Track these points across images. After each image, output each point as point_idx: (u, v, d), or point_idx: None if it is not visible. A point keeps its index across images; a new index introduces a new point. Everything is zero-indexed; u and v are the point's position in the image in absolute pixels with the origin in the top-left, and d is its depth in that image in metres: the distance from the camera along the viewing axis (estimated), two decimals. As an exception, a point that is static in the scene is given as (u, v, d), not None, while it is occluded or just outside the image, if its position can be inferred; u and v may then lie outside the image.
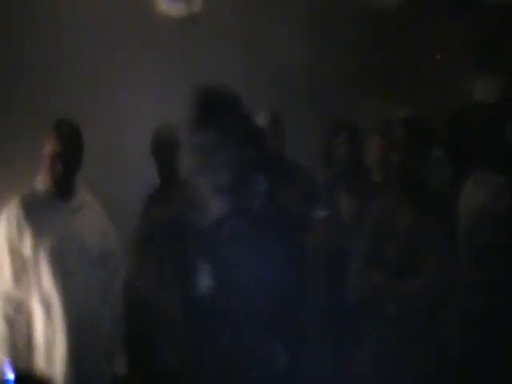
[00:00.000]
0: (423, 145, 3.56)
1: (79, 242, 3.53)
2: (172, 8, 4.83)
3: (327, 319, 3.88)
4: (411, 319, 3.25)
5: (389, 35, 5.13)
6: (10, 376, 2.85)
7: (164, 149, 4.19)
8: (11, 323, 3.40)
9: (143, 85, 4.35)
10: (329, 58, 5.01)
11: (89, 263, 3.53)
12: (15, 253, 3.44)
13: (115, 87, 4.30)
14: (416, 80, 4.95)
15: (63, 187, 3.52)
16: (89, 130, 3.63)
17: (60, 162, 3.46)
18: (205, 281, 2.48)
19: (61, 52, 4.19)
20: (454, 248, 3.42)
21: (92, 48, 4.32)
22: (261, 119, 4.00)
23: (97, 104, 4.20)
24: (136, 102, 4.28)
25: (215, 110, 2.58)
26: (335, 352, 3.74)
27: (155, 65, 4.54)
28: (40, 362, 3.41)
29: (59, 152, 3.45)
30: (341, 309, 3.71)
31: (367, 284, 3.39)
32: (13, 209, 3.48)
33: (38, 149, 3.56)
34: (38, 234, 3.46)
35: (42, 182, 3.56)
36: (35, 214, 3.49)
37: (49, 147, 3.47)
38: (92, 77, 4.29)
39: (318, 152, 4.25)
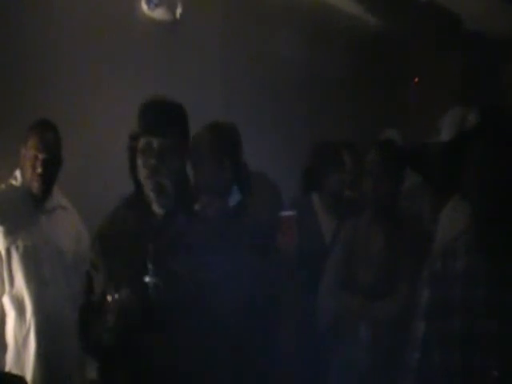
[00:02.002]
0: (398, 169, 3.57)
1: (53, 244, 3.52)
2: (154, 13, 4.81)
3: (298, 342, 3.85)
4: (383, 343, 3.26)
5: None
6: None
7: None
8: (-19, 321, 3.37)
9: (124, 88, 4.32)
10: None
11: (62, 266, 3.52)
12: (-12, 251, 3.40)
13: (95, 90, 4.27)
14: (395, 104, 5.04)
15: (42, 190, 3.50)
16: (67, 132, 3.62)
17: (41, 165, 3.44)
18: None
19: (40, 54, 4.13)
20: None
21: (72, 51, 4.28)
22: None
23: (76, 106, 4.16)
24: (117, 105, 4.25)
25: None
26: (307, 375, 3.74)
27: (137, 69, 4.52)
28: (9, 362, 3.40)
29: (41, 155, 3.44)
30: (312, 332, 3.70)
31: (338, 306, 3.40)
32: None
33: (14, 147, 3.55)
34: (11, 233, 3.43)
35: (17, 180, 3.53)
36: (9, 212, 3.47)
37: (30, 150, 3.44)
38: (71, 79, 4.25)
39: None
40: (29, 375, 3.34)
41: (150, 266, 2.46)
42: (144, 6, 4.79)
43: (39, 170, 3.44)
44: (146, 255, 2.47)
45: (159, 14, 4.84)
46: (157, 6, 4.82)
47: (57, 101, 4.05)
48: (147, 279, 2.46)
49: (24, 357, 3.39)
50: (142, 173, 2.58)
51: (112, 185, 4.10)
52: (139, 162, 2.59)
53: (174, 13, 4.88)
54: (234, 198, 3.19)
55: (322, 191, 4.25)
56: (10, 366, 3.39)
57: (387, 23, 5.28)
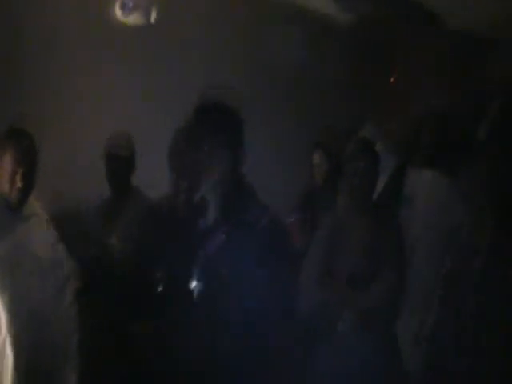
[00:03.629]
0: (375, 158, 3.65)
1: (28, 253, 3.44)
2: (128, 18, 4.79)
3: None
4: (366, 331, 3.27)
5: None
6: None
7: (117, 155, 4.14)
8: (-45, 334, 3.29)
9: (99, 93, 4.29)
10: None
11: (39, 274, 3.44)
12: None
13: (70, 95, 4.23)
14: (376, 94, 5.02)
15: (20, 201, 3.45)
16: (41, 138, 3.56)
17: (21, 180, 3.38)
18: None
19: (14, 58, 4.11)
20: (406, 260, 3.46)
21: (47, 56, 4.25)
22: None
23: (49, 110, 4.12)
24: (91, 109, 4.22)
25: None
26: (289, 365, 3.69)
27: (111, 74, 4.49)
28: (-14, 375, 3.32)
29: (20, 170, 3.37)
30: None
31: (320, 295, 3.41)
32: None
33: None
34: (-16, 242, 3.36)
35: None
36: (-18, 221, 3.40)
37: (8, 163, 3.37)
38: (45, 84, 4.22)
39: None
40: (7, 385, 3.27)
41: (196, 271, 2.45)
42: (118, 11, 4.77)
43: (19, 185, 3.38)
44: (193, 259, 2.46)
45: (134, 18, 4.82)
46: (131, 10, 4.80)
47: (30, 106, 4.02)
48: (193, 284, 2.45)
49: (1, 368, 3.29)
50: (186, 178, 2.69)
51: (90, 187, 4.09)
52: (184, 166, 2.72)
53: (148, 18, 4.86)
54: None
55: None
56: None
57: (363, 18, 5.27)
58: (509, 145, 3.08)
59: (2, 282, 3.34)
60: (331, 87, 5.05)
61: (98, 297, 3.71)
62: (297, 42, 4.85)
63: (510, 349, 2.64)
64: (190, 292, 2.45)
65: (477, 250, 2.85)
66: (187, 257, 2.49)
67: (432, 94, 4.42)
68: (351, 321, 3.29)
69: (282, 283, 2.53)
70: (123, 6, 4.74)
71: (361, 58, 5.15)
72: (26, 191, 3.43)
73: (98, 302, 3.73)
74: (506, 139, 3.27)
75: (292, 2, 4.98)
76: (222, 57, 4.92)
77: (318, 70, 5.10)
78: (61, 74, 4.27)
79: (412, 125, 4.01)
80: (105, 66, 4.53)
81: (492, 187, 2.90)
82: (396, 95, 4.95)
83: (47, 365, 3.38)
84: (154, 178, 3.79)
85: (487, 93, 4.20)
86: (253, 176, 3.67)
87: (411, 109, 4.35)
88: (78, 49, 4.43)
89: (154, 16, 4.89)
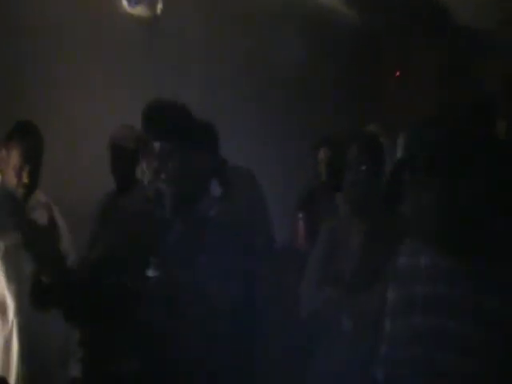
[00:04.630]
0: (378, 163, 3.56)
1: (34, 243, 3.48)
2: (134, 10, 4.80)
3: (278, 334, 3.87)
4: (365, 335, 3.26)
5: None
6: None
7: (121, 148, 4.18)
8: (-38, 323, 3.33)
9: (104, 85, 4.31)
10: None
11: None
12: (-31, 252, 3.37)
13: (74, 88, 4.25)
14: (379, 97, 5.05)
15: (27, 195, 3.49)
16: (47, 131, 3.59)
17: (28, 176, 3.42)
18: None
19: (20, 52, 4.12)
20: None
21: (53, 48, 4.26)
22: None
23: (56, 104, 4.15)
24: (97, 102, 4.24)
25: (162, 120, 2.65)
26: (288, 368, 3.74)
27: (117, 66, 4.51)
28: (-7, 363, 3.37)
29: (27, 166, 3.41)
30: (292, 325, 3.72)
31: (318, 297, 3.39)
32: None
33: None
34: (-9, 233, 3.39)
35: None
36: (-12, 213, 3.43)
37: (15, 158, 3.40)
38: (51, 78, 4.24)
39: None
40: (12, 376, 3.32)
41: (152, 261, 2.50)
42: (124, 3, 4.79)
43: (26, 181, 3.42)
44: (150, 250, 2.51)
45: (140, 10, 4.83)
46: (137, 2, 4.82)
47: (37, 99, 4.03)
48: (150, 273, 2.50)
49: (7, 357, 3.36)
50: (146, 175, 2.63)
51: (94, 181, 4.12)
52: (143, 164, 2.67)
53: (154, 9, 4.87)
54: (215, 193, 3.20)
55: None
56: (-7, 366, 3.36)
57: (366, 18, 5.29)
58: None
59: (9, 273, 3.40)
60: (334, 86, 5.07)
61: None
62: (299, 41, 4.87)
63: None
64: (149, 284, 2.51)
65: None
66: (143, 249, 2.56)
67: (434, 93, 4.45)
68: (352, 323, 3.28)
69: (234, 273, 2.58)
70: (129, -1, 4.76)
71: (364, 56, 5.18)
72: (32, 186, 3.47)
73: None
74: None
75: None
76: (224, 50, 4.94)
77: (324, 69, 5.12)
78: (64, 68, 4.28)
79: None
80: (109, 59, 4.54)
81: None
82: (400, 93, 4.98)
83: (51, 355, 3.45)
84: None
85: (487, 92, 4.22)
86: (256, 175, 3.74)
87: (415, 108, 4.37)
88: (83, 41, 4.44)
89: (159, 7, 4.90)
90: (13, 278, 3.40)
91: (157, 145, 2.55)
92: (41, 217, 3.54)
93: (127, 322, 2.54)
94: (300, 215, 4.30)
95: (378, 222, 3.46)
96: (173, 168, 2.56)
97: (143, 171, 2.70)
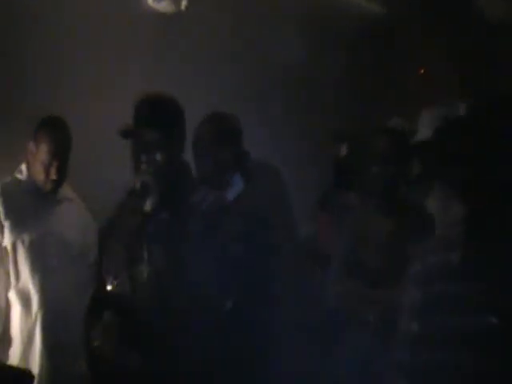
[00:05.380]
0: (403, 155, 3.55)
1: (59, 237, 3.50)
2: (159, 5, 4.79)
3: (302, 328, 3.84)
4: (391, 330, 3.25)
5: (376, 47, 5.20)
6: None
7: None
8: (-14, 314, 3.36)
9: (129, 81, 4.30)
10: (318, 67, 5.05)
11: (68, 259, 3.50)
12: (-6, 243, 3.39)
13: (101, 83, 4.25)
14: (403, 92, 5.02)
15: (54, 190, 3.50)
16: (73, 124, 3.59)
17: (56, 172, 3.43)
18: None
19: (44, 47, 4.12)
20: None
21: (76, 44, 4.26)
22: None
23: (80, 99, 4.14)
24: (121, 98, 4.23)
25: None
26: (311, 362, 3.71)
27: (142, 62, 4.50)
28: (15, 356, 3.38)
29: (55, 162, 3.42)
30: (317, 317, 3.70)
31: (344, 294, 3.39)
32: (-7, 199, 3.43)
33: (21, 137, 3.53)
34: (17, 227, 3.42)
35: (23, 173, 3.52)
36: (15, 205, 3.45)
37: (43, 153, 3.41)
38: (75, 72, 4.23)
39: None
40: (35, 369, 3.32)
41: (144, 256, 2.54)
42: (150, -1, 4.78)
43: (54, 177, 3.44)
44: (140, 245, 2.56)
45: (164, 6, 4.82)
46: (161, -2, 4.81)
47: (60, 94, 4.03)
48: (141, 267, 2.54)
49: (30, 350, 3.38)
50: (134, 167, 2.67)
51: (119, 175, 4.11)
52: (132, 156, 2.69)
53: (179, 4, 4.86)
54: (237, 187, 3.19)
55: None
56: (15, 360, 3.37)
57: (388, 10, 5.26)
58: None
59: (34, 267, 3.41)
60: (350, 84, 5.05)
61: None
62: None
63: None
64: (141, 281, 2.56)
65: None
66: (133, 242, 2.61)
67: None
68: (373, 321, 3.27)
69: (226, 264, 2.61)
70: (154, -7, 4.75)
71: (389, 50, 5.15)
72: (59, 181, 3.49)
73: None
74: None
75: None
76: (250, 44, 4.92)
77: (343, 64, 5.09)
78: (89, 65, 4.28)
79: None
80: (134, 53, 4.54)
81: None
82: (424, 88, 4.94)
83: (74, 347, 3.36)
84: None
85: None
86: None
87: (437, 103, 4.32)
88: (109, 36, 4.44)
89: (184, 3, 4.89)
90: (37, 270, 3.41)
91: (144, 135, 2.61)
92: (67, 211, 3.58)
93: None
94: (322, 211, 4.28)
95: (404, 216, 3.44)
96: (160, 160, 2.61)
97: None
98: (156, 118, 2.65)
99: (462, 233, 2.27)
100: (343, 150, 4.41)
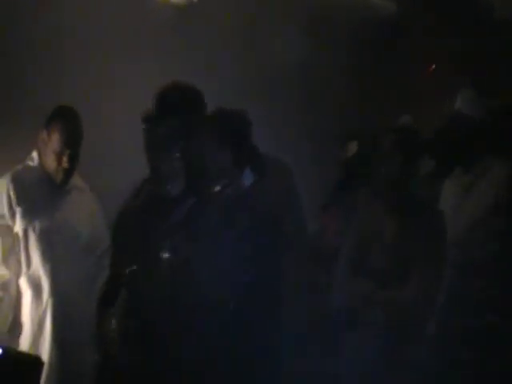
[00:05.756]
0: (412, 155, 3.52)
1: (69, 226, 3.52)
2: (171, -2, 4.79)
3: (310, 326, 3.84)
4: (395, 330, 3.24)
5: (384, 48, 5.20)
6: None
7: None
8: (-3, 300, 3.38)
9: (140, 74, 4.31)
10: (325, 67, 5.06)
11: (78, 248, 3.52)
12: (6, 230, 3.41)
13: (110, 76, 4.26)
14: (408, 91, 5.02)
15: (66, 179, 3.52)
16: (83, 115, 3.59)
17: (68, 160, 3.45)
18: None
19: (54, 40, 4.13)
20: (440, 259, 3.39)
21: (87, 37, 4.27)
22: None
23: (91, 92, 4.15)
24: (132, 90, 4.24)
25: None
26: (319, 360, 3.72)
27: (155, 52, 4.50)
28: (26, 342, 3.40)
29: (68, 151, 3.44)
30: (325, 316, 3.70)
31: (350, 294, 3.38)
32: (4, 185, 3.45)
33: (33, 125, 3.54)
34: (28, 213, 3.44)
35: (34, 161, 3.53)
36: (26, 192, 3.47)
37: (56, 142, 3.43)
38: (86, 65, 4.24)
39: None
40: (45, 356, 3.33)
41: (166, 244, 2.52)
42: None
43: (66, 165, 3.45)
44: (161, 233, 2.54)
45: (176, -2, 4.82)
46: (174, -10, 4.81)
47: (71, 85, 4.04)
48: (164, 255, 2.51)
49: (40, 338, 3.40)
50: (153, 156, 2.65)
51: (128, 166, 4.11)
52: (154, 141, 2.67)
53: (192, -4, 4.86)
54: (248, 180, 3.20)
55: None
56: (25, 347, 3.39)
57: (397, 9, 5.26)
58: None
59: (45, 254, 3.43)
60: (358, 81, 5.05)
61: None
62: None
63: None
64: (161, 267, 2.54)
65: None
66: (155, 228, 2.59)
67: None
68: (382, 317, 3.26)
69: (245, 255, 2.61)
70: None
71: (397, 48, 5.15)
72: (71, 170, 3.51)
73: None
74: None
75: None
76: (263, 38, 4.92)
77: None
78: (102, 55, 4.28)
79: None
80: (146, 46, 4.54)
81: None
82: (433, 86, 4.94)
83: (84, 335, 3.39)
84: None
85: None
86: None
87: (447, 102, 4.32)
88: (120, 29, 4.44)
89: (197, -5, 4.89)
90: (47, 259, 3.43)
91: (168, 122, 2.62)
92: (77, 200, 3.59)
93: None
94: (327, 211, 4.27)
95: (410, 216, 3.42)
96: (185, 146, 2.61)
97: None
98: (180, 104, 2.67)
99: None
100: (352, 150, 4.40)
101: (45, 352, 3.37)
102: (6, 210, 3.41)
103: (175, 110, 2.65)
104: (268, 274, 2.78)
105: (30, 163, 3.55)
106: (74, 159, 3.48)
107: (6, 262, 3.39)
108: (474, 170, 3.61)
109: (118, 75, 4.30)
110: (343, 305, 3.42)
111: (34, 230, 3.42)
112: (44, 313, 3.41)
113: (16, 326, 3.41)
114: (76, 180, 3.62)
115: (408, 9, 5.26)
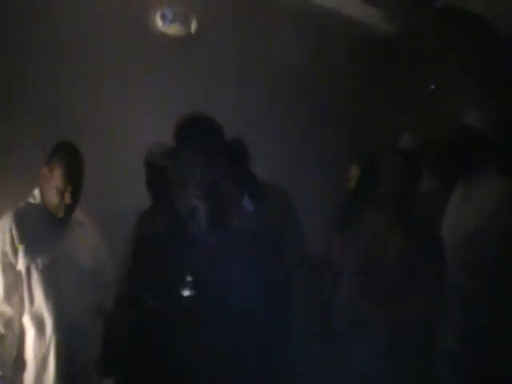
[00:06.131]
0: (414, 173, 3.57)
1: (71, 261, 3.53)
2: (169, 28, 4.85)
3: (314, 343, 3.85)
4: (400, 346, 3.25)
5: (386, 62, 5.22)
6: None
7: (155, 166, 4.23)
8: (0, 339, 3.37)
9: (139, 102, 4.37)
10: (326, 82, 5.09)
11: (81, 281, 3.53)
12: (8, 268, 3.42)
13: (114, 102, 4.32)
14: (410, 108, 5.03)
15: (68, 215, 3.54)
16: (86, 144, 3.62)
17: (71, 197, 3.47)
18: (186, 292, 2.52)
19: (61, 67, 4.21)
20: (443, 274, 3.41)
21: (91, 63, 4.34)
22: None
23: (90, 119, 4.21)
24: (131, 118, 4.29)
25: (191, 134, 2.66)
26: (323, 376, 3.72)
27: (153, 82, 4.56)
28: (30, 380, 3.40)
29: (70, 187, 3.46)
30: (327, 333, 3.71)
31: (355, 309, 3.39)
32: (7, 223, 3.46)
33: (34, 162, 3.58)
34: (31, 251, 3.45)
35: (36, 198, 3.55)
36: (29, 229, 3.48)
37: (58, 179, 3.45)
38: (90, 92, 4.31)
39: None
40: (48, 393, 3.34)
41: (188, 279, 2.50)
42: (159, 22, 4.84)
43: (69, 201, 3.47)
44: (182, 269, 2.50)
45: (174, 29, 4.88)
46: (172, 21, 4.87)
47: (70, 115, 4.09)
48: (186, 292, 2.49)
49: (44, 375, 3.40)
50: (175, 189, 2.61)
51: (129, 198, 4.15)
52: (171, 178, 2.63)
53: (188, 28, 4.92)
54: (247, 206, 3.21)
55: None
56: (29, 383, 3.39)
57: (399, 27, 5.28)
58: None
59: (48, 291, 3.43)
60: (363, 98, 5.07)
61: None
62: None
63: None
64: (182, 301, 2.51)
65: None
66: (177, 264, 2.56)
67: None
68: (386, 335, 3.27)
69: (273, 288, 2.58)
70: (163, 17, 4.80)
71: (399, 68, 5.17)
72: (73, 207, 3.53)
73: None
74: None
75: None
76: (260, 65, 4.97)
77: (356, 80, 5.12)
78: (99, 86, 4.34)
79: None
80: (144, 76, 4.60)
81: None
82: (434, 105, 4.95)
83: (87, 370, 3.46)
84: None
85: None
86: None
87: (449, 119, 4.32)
88: (118, 60, 4.50)
89: (194, 27, 4.94)
90: (50, 294, 3.44)
91: (190, 159, 2.56)
92: (78, 235, 3.61)
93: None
94: (333, 230, 4.29)
95: (415, 233, 3.46)
96: (207, 183, 2.55)
97: (176, 187, 2.64)
98: (199, 140, 2.61)
99: None
100: (354, 173, 4.43)
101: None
102: (8, 248, 3.42)
103: (194, 147, 2.60)
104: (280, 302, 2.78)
105: (32, 200, 3.56)
106: (76, 195, 3.49)
107: (8, 299, 3.39)
108: (474, 181, 3.67)
109: (118, 107, 4.36)
110: (350, 319, 3.43)
111: (36, 267, 3.42)
112: (47, 350, 3.40)
113: (20, 364, 3.40)
114: (77, 215, 3.63)
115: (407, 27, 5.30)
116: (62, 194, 3.46)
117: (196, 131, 2.62)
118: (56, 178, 3.45)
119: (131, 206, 4.07)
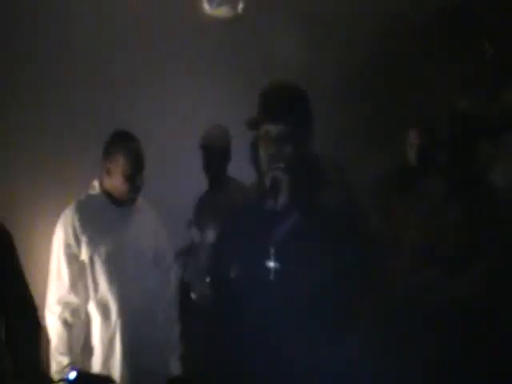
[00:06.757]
0: (472, 141, 3.54)
1: (134, 246, 3.60)
2: (216, 11, 4.87)
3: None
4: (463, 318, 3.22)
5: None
6: (72, 375, 2.89)
7: (213, 147, 4.31)
8: (68, 327, 3.47)
9: (188, 87, 4.42)
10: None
11: (143, 266, 3.61)
12: (72, 259, 3.51)
13: (159, 90, 4.38)
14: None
15: (133, 198, 3.61)
16: (141, 131, 3.68)
17: (137, 170, 3.54)
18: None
19: (112, 57, 4.29)
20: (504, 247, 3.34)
21: (136, 51, 4.41)
22: None
23: (141, 107, 4.28)
24: (182, 104, 4.35)
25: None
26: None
27: (201, 67, 4.60)
28: (97, 364, 3.50)
29: (134, 161, 3.52)
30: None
31: (419, 281, 3.39)
32: (69, 215, 3.55)
33: (92, 154, 3.69)
34: (93, 240, 3.53)
35: (96, 190, 3.63)
36: (91, 220, 3.56)
37: (122, 174, 3.52)
38: (135, 80, 4.38)
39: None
40: (116, 376, 3.42)
41: (272, 251, 2.43)
42: (206, 5, 4.87)
43: (140, 184, 3.56)
44: (267, 241, 2.44)
45: (221, 11, 4.90)
46: (218, 4, 4.89)
47: (122, 103, 4.17)
48: (269, 264, 2.43)
49: (111, 358, 3.50)
50: (262, 162, 2.48)
51: (185, 183, 4.23)
52: (260, 150, 2.48)
53: (235, 9, 4.92)
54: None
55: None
56: (97, 368, 3.49)
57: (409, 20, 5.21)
58: None
59: (111, 277, 3.52)
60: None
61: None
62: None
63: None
64: (262, 279, 2.45)
65: None
66: (259, 243, 2.47)
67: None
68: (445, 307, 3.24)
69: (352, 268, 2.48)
70: (210, 1, 4.83)
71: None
72: (140, 190, 3.60)
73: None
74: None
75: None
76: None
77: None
78: (151, 70, 4.41)
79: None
80: (193, 60, 4.64)
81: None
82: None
83: (152, 354, 3.56)
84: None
85: None
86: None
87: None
88: (166, 43, 4.55)
89: (241, 6, 4.95)
90: (114, 280, 3.52)
91: (275, 129, 2.42)
92: (139, 221, 3.68)
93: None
94: (392, 200, 4.27)
95: (477, 199, 3.43)
96: (291, 154, 2.43)
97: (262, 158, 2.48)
98: (286, 110, 2.42)
99: None
100: (414, 137, 4.35)
101: (116, 372, 3.46)
102: (71, 240, 3.52)
103: (280, 116, 2.41)
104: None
105: (92, 192, 3.65)
106: (143, 178, 3.57)
107: (74, 289, 3.49)
108: None
109: (169, 92, 4.42)
110: (407, 294, 3.41)
111: (99, 256, 3.50)
112: (113, 334, 3.49)
113: (87, 349, 3.51)
114: (139, 201, 3.68)
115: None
116: (131, 179, 3.52)
117: (280, 100, 2.44)
118: (121, 164, 3.51)
119: (183, 192, 4.14)
